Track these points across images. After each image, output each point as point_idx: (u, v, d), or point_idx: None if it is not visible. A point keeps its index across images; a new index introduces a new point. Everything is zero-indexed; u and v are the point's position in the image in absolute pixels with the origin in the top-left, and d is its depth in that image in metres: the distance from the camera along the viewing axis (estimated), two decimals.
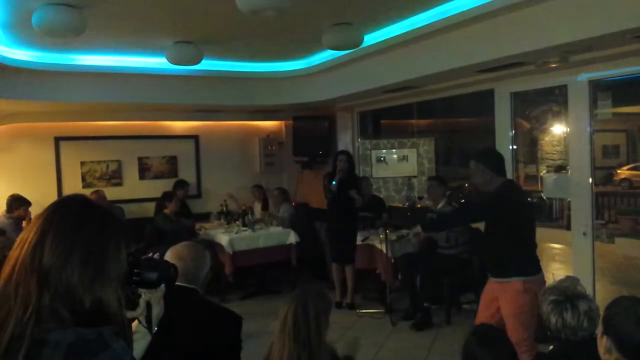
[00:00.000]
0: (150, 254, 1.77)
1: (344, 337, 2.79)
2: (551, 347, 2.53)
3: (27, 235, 1.22)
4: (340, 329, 5.62)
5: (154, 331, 1.66)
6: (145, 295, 1.60)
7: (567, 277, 2.59)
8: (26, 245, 1.20)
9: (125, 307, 1.30)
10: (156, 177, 8.28)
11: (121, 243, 1.29)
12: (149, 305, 1.63)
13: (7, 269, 1.20)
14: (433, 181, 6.24)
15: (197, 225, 7.67)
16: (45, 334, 1.12)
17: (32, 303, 1.14)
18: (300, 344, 2.37)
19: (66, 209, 1.29)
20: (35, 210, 6.49)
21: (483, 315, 3.89)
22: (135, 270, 1.49)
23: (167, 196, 7.20)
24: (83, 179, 7.79)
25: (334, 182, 6.37)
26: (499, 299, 3.81)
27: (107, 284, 1.22)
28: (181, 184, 7.95)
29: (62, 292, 1.16)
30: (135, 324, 1.59)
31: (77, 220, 1.25)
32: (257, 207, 8.19)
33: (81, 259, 1.19)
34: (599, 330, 2.00)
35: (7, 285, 1.18)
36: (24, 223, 6.30)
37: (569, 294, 2.39)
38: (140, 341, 1.60)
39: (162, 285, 1.66)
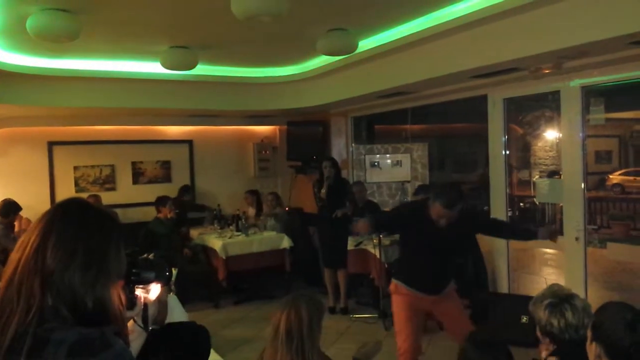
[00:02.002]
0: (145, 255, 1.80)
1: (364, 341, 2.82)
2: (544, 352, 2.52)
3: (28, 238, 1.24)
4: (333, 334, 5.62)
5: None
6: (142, 294, 1.63)
7: (552, 284, 2.61)
8: (28, 248, 1.22)
9: (125, 306, 1.33)
10: (150, 181, 8.26)
11: (120, 244, 1.32)
12: (145, 305, 1.65)
13: (8, 270, 1.22)
14: (421, 194, 6.17)
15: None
16: (48, 333, 1.14)
17: (35, 304, 1.16)
18: (293, 350, 2.35)
19: (67, 212, 1.31)
20: (26, 215, 6.48)
21: (416, 333, 4.03)
22: (133, 270, 1.52)
23: (160, 201, 7.19)
24: (76, 184, 7.77)
25: (322, 190, 6.41)
26: (441, 306, 4.09)
27: (109, 285, 1.25)
28: (187, 190, 8.07)
29: (65, 293, 1.19)
30: (130, 323, 1.61)
31: (78, 222, 1.28)
32: (251, 213, 8.18)
33: (83, 261, 1.22)
34: (588, 336, 2.00)
35: (9, 287, 1.20)
36: (16, 225, 6.27)
37: (562, 295, 2.40)
38: (136, 341, 1.62)
39: (158, 285, 1.69)
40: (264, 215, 7.87)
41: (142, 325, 1.66)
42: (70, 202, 1.36)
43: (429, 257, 3.88)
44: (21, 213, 6.54)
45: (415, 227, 3.90)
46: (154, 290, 1.72)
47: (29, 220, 6.49)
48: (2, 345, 1.14)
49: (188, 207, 8.03)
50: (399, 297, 4.01)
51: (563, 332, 2.33)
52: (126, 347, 1.24)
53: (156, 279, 1.65)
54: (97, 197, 7.21)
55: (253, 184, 8.81)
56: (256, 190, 8.28)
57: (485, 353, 2.22)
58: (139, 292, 1.66)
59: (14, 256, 1.24)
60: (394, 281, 4.08)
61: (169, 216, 7.08)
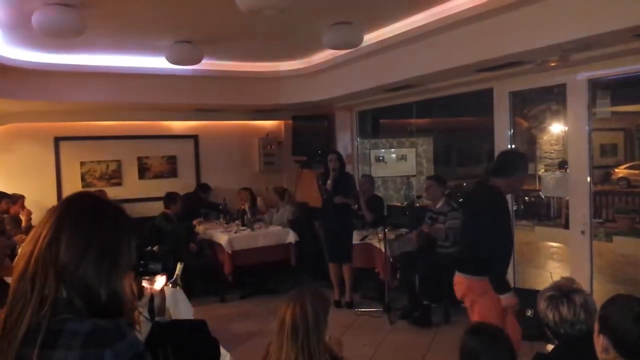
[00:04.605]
0: (149, 248, 1.83)
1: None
2: (550, 346, 2.53)
3: (40, 231, 1.26)
4: (339, 328, 5.64)
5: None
6: (148, 286, 1.66)
7: (563, 278, 2.61)
8: (41, 241, 1.23)
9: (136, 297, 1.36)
10: (156, 176, 8.30)
11: (131, 236, 1.34)
12: (151, 296, 1.68)
13: (20, 263, 1.24)
14: (432, 181, 6.24)
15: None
16: (61, 324, 1.16)
17: (50, 296, 1.18)
18: (298, 345, 2.34)
19: (79, 206, 1.33)
20: (33, 210, 6.54)
21: None
22: (141, 262, 1.55)
23: (170, 198, 7.20)
24: (83, 179, 7.81)
25: (328, 181, 6.43)
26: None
27: (121, 276, 1.28)
28: (205, 188, 8.20)
29: (79, 285, 1.21)
30: (136, 314, 1.63)
31: (91, 216, 1.29)
32: (260, 203, 8.26)
33: (97, 254, 1.24)
34: (596, 329, 2.00)
35: (23, 279, 1.21)
36: (23, 220, 6.32)
37: (564, 289, 2.41)
38: (142, 331, 1.64)
39: (163, 277, 1.72)
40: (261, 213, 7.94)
41: (147, 316, 1.68)
42: (81, 196, 1.38)
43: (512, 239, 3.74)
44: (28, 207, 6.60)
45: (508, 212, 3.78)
46: (159, 281, 1.75)
47: (30, 211, 6.55)
48: (17, 337, 1.16)
49: (202, 204, 8.09)
50: (494, 297, 3.54)
51: (557, 326, 2.35)
52: (138, 338, 1.27)
53: (163, 271, 1.68)
54: (102, 192, 7.23)
55: (258, 178, 8.85)
56: (249, 188, 8.27)
57: (486, 344, 2.23)
58: (145, 283, 1.69)
59: (25, 249, 1.25)
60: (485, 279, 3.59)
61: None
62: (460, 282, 3.77)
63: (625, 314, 1.90)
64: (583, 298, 2.36)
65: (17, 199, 6.65)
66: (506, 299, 3.50)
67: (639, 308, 1.91)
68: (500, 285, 3.54)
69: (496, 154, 6.07)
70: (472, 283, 3.68)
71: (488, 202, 3.77)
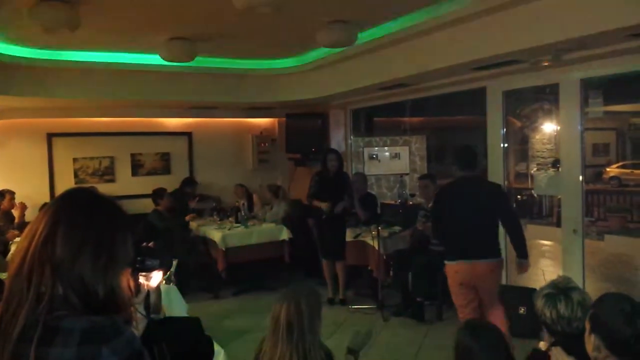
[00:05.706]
0: (144, 244, 1.83)
1: (354, 330, 2.80)
2: (542, 343, 2.54)
3: (36, 227, 1.24)
4: (332, 325, 5.66)
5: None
6: (144, 282, 1.66)
7: (560, 276, 2.63)
8: (37, 237, 1.22)
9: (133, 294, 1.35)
10: (149, 173, 8.28)
11: (128, 232, 1.32)
12: (147, 293, 1.68)
13: (16, 260, 1.22)
14: (426, 180, 6.25)
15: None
16: (58, 321, 1.15)
17: (46, 293, 1.17)
18: (293, 343, 2.35)
19: (75, 201, 1.31)
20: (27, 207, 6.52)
21: None
22: (138, 258, 1.55)
23: (157, 193, 7.20)
24: (75, 175, 7.77)
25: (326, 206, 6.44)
26: None
27: (119, 273, 1.26)
28: (189, 182, 8.12)
29: (75, 281, 1.19)
30: (132, 311, 1.64)
31: (87, 211, 1.28)
32: (256, 200, 8.26)
33: (93, 250, 1.22)
34: (587, 328, 2.01)
35: (18, 276, 1.20)
36: (17, 217, 6.30)
37: (561, 287, 2.42)
38: (138, 328, 1.64)
39: (160, 273, 1.72)
40: (256, 211, 7.93)
41: (143, 312, 1.68)
42: (77, 191, 1.36)
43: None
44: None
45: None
46: (155, 277, 1.75)
47: (23, 204, 6.52)
48: (13, 334, 1.15)
49: (189, 199, 8.07)
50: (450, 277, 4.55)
51: (555, 324, 2.35)
52: (135, 335, 1.25)
53: (160, 267, 1.69)
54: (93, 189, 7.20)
55: (252, 176, 8.83)
56: (244, 185, 8.27)
57: (481, 340, 2.24)
58: (141, 279, 1.69)
59: (21, 245, 1.24)
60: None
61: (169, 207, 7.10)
62: (491, 267, 4.28)
63: (616, 312, 1.91)
64: (580, 296, 2.36)
65: (5, 194, 6.61)
66: (526, 262, 4.30)
67: (629, 307, 1.91)
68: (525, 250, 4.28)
69: (490, 153, 6.11)
70: (498, 264, 4.35)
71: (498, 187, 4.60)
